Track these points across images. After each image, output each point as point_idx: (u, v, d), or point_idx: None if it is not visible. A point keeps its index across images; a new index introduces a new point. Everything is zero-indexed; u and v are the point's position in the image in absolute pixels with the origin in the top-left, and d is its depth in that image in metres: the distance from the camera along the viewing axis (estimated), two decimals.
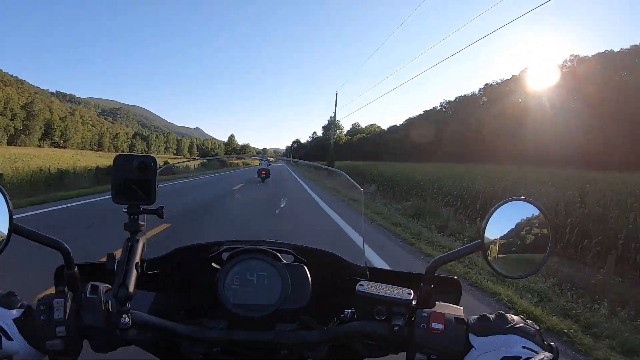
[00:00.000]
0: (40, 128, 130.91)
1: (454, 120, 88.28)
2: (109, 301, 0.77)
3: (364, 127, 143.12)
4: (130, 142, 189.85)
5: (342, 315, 0.89)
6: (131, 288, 0.75)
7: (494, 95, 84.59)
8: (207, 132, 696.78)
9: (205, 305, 0.99)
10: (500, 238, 0.82)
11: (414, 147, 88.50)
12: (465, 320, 0.78)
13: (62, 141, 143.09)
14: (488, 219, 0.81)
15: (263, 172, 22.28)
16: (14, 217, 0.73)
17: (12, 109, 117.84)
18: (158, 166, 0.87)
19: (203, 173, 35.74)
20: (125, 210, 0.85)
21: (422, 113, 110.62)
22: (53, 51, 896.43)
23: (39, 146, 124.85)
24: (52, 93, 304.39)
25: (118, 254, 0.84)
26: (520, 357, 0.68)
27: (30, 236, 0.76)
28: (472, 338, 0.74)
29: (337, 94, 40.91)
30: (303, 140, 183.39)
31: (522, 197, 0.83)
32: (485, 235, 0.80)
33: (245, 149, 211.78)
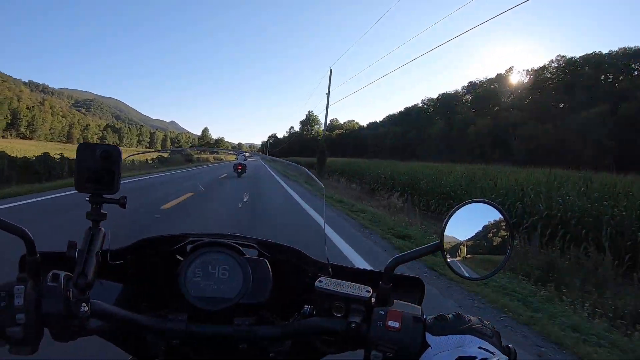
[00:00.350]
0: (4, 118, 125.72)
1: (437, 118, 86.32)
2: (71, 290, 0.76)
3: (342, 122, 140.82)
4: (101, 135, 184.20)
5: (301, 311, 0.91)
6: (90, 277, 0.76)
7: (479, 93, 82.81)
8: (182, 126, 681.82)
9: (168, 297, 0.98)
10: (461, 239, 0.83)
11: (396, 144, 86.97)
12: (423, 319, 0.78)
13: (28, 132, 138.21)
14: (448, 220, 0.81)
15: (239, 167, 21.87)
16: None
17: None
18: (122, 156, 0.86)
19: (159, 170, 27.95)
20: (88, 199, 0.84)
21: (403, 110, 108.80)
22: (26, 40, 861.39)
23: (3, 137, 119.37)
24: (24, 82, 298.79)
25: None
26: (476, 358, 0.67)
27: None
28: (429, 337, 0.75)
29: (331, 70, 36.28)
30: (280, 135, 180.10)
31: (483, 199, 0.84)
32: (444, 235, 0.81)
33: (219, 143, 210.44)
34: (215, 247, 0.97)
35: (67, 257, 0.79)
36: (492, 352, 0.69)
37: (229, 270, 0.94)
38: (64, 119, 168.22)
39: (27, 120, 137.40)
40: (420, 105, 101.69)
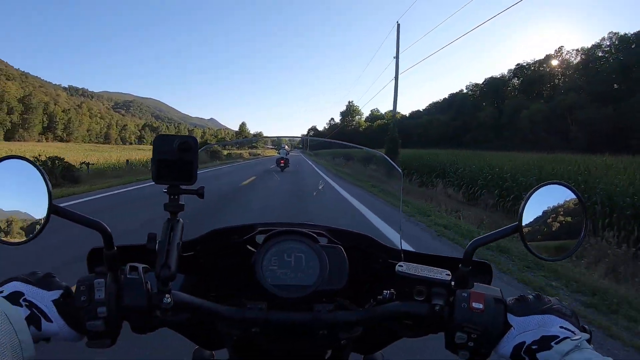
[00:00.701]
0: (40, 122, 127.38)
1: (484, 104, 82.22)
2: (148, 282, 0.78)
3: (383, 112, 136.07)
4: (139, 134, 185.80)
5: (379, 297, 0.91)
6: (173, 268, 0.76)
7: (528, 76, 78.14)
8: (221, 123, 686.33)
9: (239, 287, 1.01)
10: (537, 221, 0.83)
11: (442, 132, 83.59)
12: (504, 300, 0.79)
13: (65, 134, 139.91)
14: (525, 203, 0.82)
15: (282, 161, 20.87)
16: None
17: (9, 102, 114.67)
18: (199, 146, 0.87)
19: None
20: (165, 190, 0.84)
21: (447, 97, 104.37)
22: (69, 48, 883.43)
23: (39, 140, 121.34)
24: (64, 87, 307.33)
25: None
26: (558, 337, 0.69)
27: (70, 217, 0.77)
28: (511, 318, 0.76)
29: (398, 25, 29.29)
30: (320, 128, 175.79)
31: (559, 181, 0.85)
32: (522, 218, 0.81)
33: (257, 137, 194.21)
34: (289, 236, 0.97)
35: (147, 249, 0.79)
36: (572, 331, 0.70)
37: (305, 257, 0.93)
38: (102, 120, 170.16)
39: (63, 123, 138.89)
40: (464, 91, 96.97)
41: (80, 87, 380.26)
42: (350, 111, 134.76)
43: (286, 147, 22.80)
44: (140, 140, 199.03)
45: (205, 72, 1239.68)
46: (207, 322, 0.94)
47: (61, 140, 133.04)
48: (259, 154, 62.20)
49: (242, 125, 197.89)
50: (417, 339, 0.91)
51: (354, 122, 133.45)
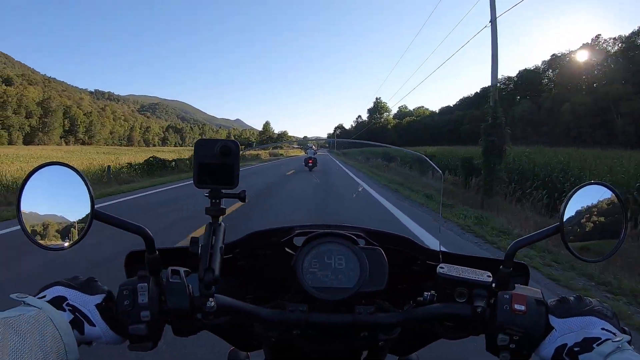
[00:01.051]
0: (60, 125, 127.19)
1: (519, 97, 78.24)
2: (190, 285, 0.78)
3: (411, 109, 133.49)
4: (163, 135, 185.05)
5: (419, 298, 0.91)
6: (217, 272, 0.77)
7: (565, 67, 73.88)
8: (247, 123, 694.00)
9: (277, 289, 1.01)
10: (577, 222, 0.84)
11: (475, 128, 77.44)
12: (545, 302, 0.79)
13: (87, 137, 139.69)
14: (566, 204, 0.82)
15: (310, 160, 22.96)
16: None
17: (27, 106, 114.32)
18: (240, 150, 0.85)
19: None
20: (207, 194, 0.85)
21: (479, 91, 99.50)
22: (96, 54, 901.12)
23: (59, 144, 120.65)
24: (90, 92, 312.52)
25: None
26: (600, 338, 0.69)
27: (111, 222, 0.77)
28: (552, 319, 0.76)
29: None
30: (347, 126, 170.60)
31: (598, 181, 0.85)
32: (563, 219, 0.81)
33: (282, 136, 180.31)
34: (329, 238, 0.96)
35: (190, 253, 0.80)
36: (614, 333, 0.71)
37: (345, 259, 0.93)
38: (126, 122, 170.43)
39: (85, 126, 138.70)
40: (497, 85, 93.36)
41: (106, 90, 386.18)
42: (378, 108, 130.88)
43: (313, 146, 23.47)
44: (164, 141, 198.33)
45: (231, 74, 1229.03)
46: (245, 324, 0.95)
47: (83, 143, 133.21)
48: (281, 154, 58.40)
49: (266, 124, 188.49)
50: (452, 341, 0.92)
51: (382, 119, 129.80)
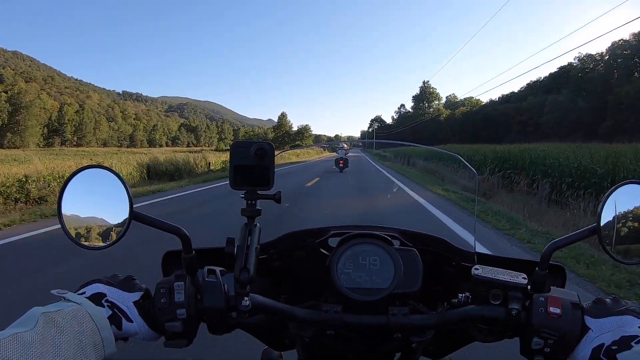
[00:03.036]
0: (38, 124, 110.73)
1: (615, 76, 57.96)
2: (226, 284, 0.81)
3: (461, 98, 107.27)
4: (174, 135, 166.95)
5: (454, 300, 0.90)
6: (252, 272, 0.78)
7: None
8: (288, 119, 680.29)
9: (312, 290, 1.02)
10: (615, 223, 0.81)
11: (562, 117, 61.17)
12: (581, 304, 0.79)
13: (76, 138, 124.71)
14: (604, 203, 0.80)
15: (342, 161, 23.16)
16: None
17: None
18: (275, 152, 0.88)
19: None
20: (243, 195, 0.86)
21: (555, 71, 79.02)
22: (129, 56, 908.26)
23: (41, 146, 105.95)
24: (118, 93, 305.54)
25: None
26: (638, 336, 0.68)
27: (149, 222, 0.79)
28: (588, 320, 0.75)
29: None
30: (387, 119, 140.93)
31: (636, 180, 0.82)
32: (600, 219, 0.80)
33: (303, 133, 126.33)
34: (364, 239, 0.97)
35: (226, 253, 0.81)
36: None
37: (380, 260, 0.93)
38: (139, 122, 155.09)
39: (74, 126, 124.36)
40: (574, 64, 72.09)
41: (134, 92, 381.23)
42: (425, 94, 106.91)
43: (345, 145, 25.72)
44: (174, 141, 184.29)
45: (262, 74, 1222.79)
46: (279, 324, 0.97)
47: (76, 145, 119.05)
48: (298, 161, 41.11)
49: (282, 116, 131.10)
50: (485, 344, 0.91)
51: (432, 109, 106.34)
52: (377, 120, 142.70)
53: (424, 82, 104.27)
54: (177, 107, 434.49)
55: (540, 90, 79.81)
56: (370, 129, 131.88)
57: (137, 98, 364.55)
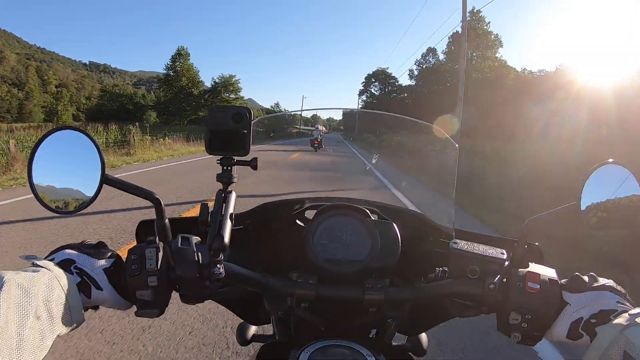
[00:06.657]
0: None
1: None
2: (200, 253, 0.78)
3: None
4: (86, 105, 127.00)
5: (430, 274, 0.90)
6: (227, 239, 0.76)
7: None
8: (259, 103, 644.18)
9: (287, 261, 1.01)
10: (595, 201, 0.82)
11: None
12: (559, 280, 0.79)
13: None
14: (584, 182, 0.81)
15: (315, 142, 17.35)
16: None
17: None
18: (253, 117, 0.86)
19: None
20: (219, 161, 0.85)
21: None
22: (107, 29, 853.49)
23: None
24: (84, 64, 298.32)
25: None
26: (616, 310, 0.69)
27: (122, 187, 0.76)
28: (566, 295, 0.75)
29: None
30: (402, 79, 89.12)
31: (614, 160, 0.84)
32: (580, 197, 0.80)
33: (220, 91, 72.84)
34: (340, 210, 0.97)
35: (200, 220, 0.80)
36: (630, 306, 0.70)
37: (356, 233, 0.93)
38: (64, 89, 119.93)
39: None
40: None
41: (101, 62, 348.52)
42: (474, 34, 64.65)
43: (322, 128, 24.38)
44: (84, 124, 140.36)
45: (238, 51, 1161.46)
46: (254, 297, 0.94)
47: None
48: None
49: (177, 56, 74.02)
50: (463, 321, 0.91)
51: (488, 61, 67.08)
52: (381, 75, 75.53)
53: (473, 9, 49.92)
54: (147, 81, 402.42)
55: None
56: (364, 95, 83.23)
57: (104, 70, 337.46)
